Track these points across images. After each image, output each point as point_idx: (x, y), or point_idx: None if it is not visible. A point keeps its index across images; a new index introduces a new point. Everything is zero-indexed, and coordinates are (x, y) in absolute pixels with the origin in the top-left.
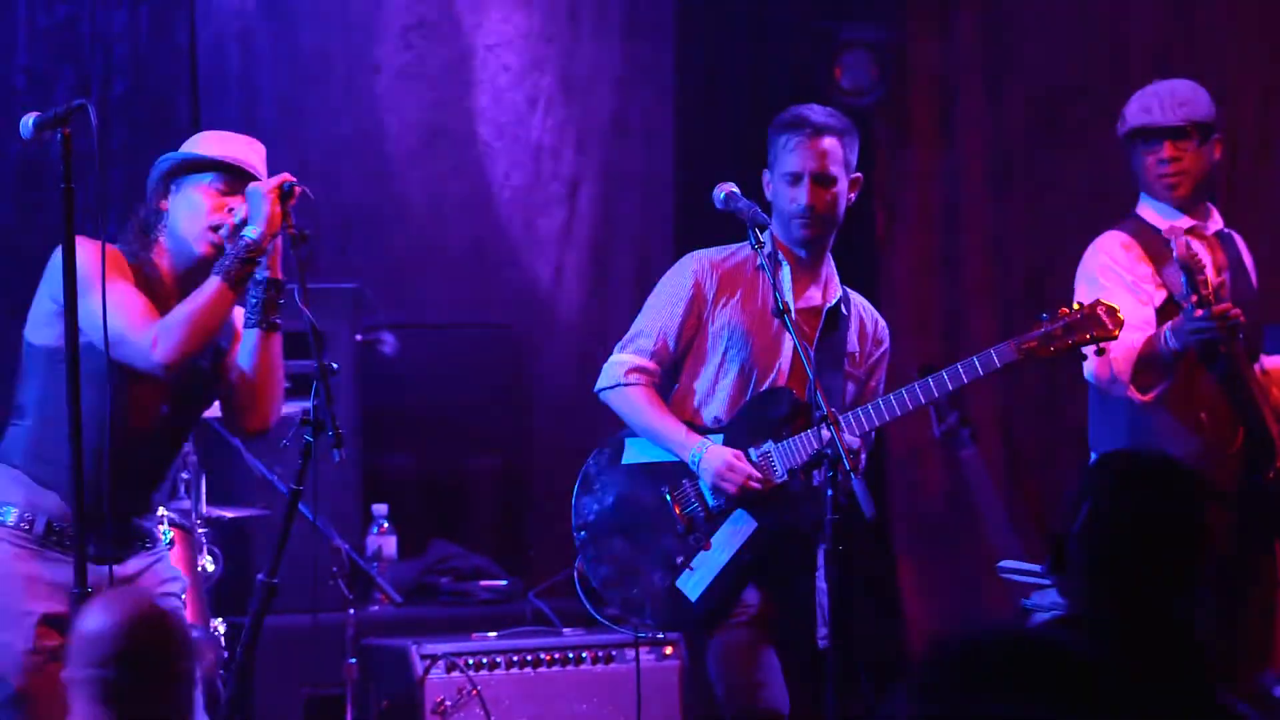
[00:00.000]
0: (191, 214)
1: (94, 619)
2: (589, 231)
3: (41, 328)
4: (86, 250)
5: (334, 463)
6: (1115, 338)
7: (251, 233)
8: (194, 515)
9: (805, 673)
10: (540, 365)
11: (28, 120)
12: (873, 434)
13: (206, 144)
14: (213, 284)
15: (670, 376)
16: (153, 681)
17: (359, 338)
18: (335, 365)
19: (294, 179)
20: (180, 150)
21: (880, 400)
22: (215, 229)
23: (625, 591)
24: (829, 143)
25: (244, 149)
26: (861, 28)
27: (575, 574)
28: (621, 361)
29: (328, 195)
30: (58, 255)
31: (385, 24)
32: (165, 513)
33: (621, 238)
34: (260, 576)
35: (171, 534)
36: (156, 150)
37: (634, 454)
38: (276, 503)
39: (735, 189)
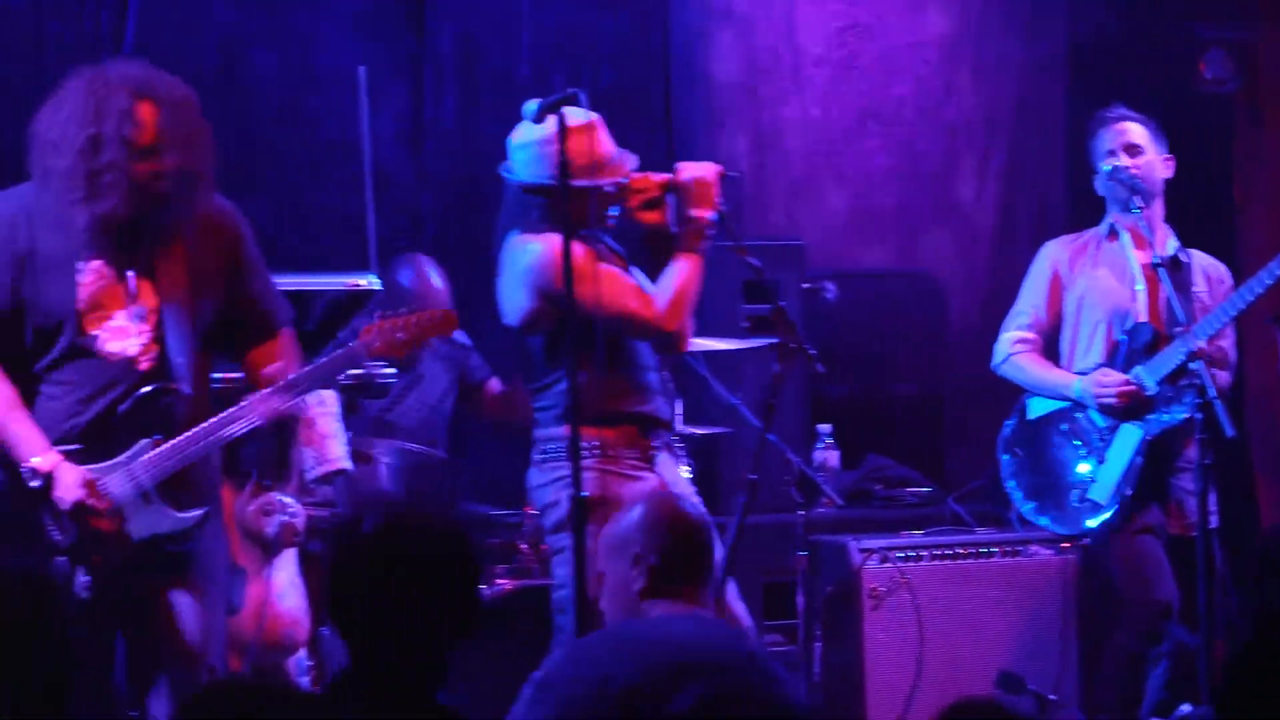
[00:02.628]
0: (598, 203)
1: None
2: (995, 199)
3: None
4: (574, 251)
5: (819, 373)
6: None
7: (698, 214)
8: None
9: (1181, 565)
10: (953, 308)
11: (531, 105)
12: (1232, 354)
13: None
14: (685, 258)
15: (1050, 341)
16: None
17: (804, 286)
18: (784, 304)
19: (723, 168)
20: (545, 173)
21: (1224, 302)
22: (612, 215)
23: (1046, 514)
24: (1130, 125)
25: (594, 140)
26: (1220, 27)
27: (1015, 518)
28: (1007, 338)
29: (779, 167)
30: (529, 247)
31: (824, 25)
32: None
33: (1023, 205)
34: (749, 475)
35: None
36: (636, 135)
37: (1035, 410)
38: (737, 422)
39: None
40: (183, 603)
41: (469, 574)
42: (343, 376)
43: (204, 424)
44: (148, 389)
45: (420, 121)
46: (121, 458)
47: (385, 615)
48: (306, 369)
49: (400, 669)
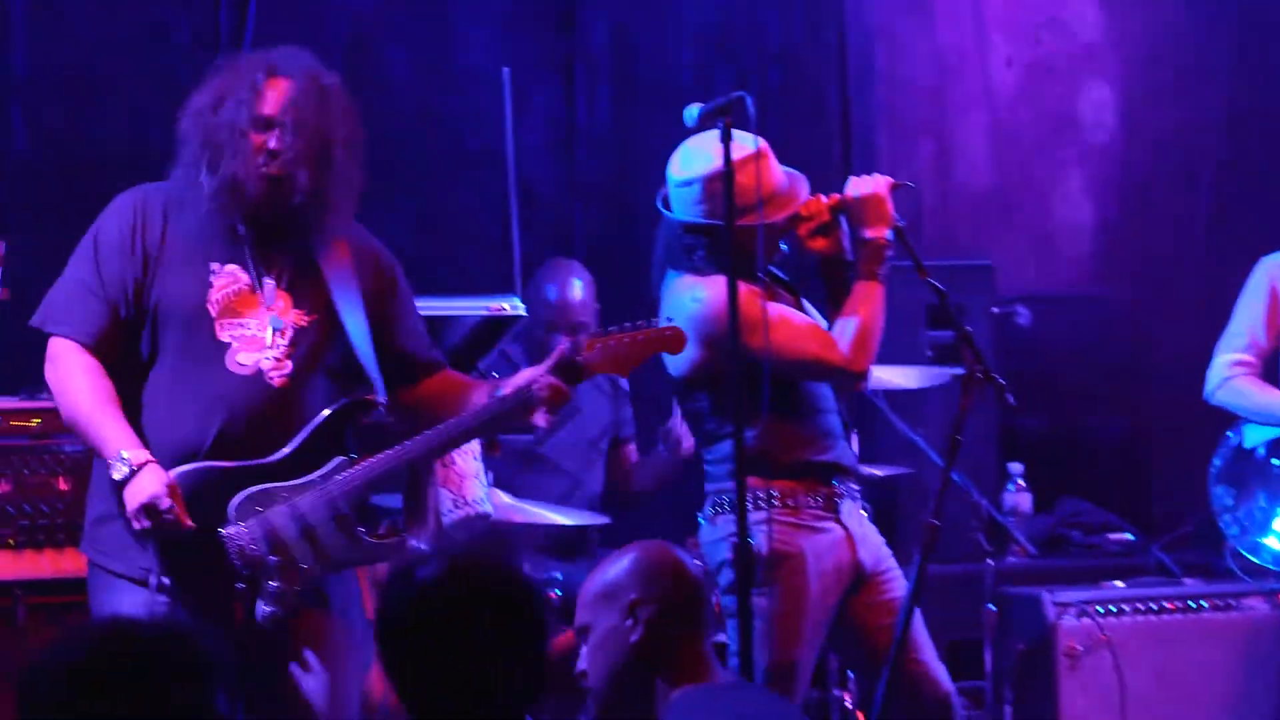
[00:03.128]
0: (769, 240)
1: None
2: (1206, 212)
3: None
4: (741, 296)
5: (1010, 406)
6: None
7: (874, 234)
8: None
9: None
10: (1158, 333)
11: (692, 110)
12: None
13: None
14: (865, 287)
15: (1269, 365)
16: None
17: (994, 310)
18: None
19: (895, 180)
20: (706, 212)
21: None
22: (781, 249)
23: (1264, 554)
24: None
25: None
26: None
27: (1228, 555)
28: (1221, 361)
29: (966, 178)
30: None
31: (1018, 21)
32: None
33: (1236, 218)
34: (930, 520)
35: None
36: (809, 141)
37: (1252, 438)
38: (920, 461)
39: None
40: (319, 664)
41: (533, 629)
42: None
43: (404, 444)
44: (340, 404)
45: (571, 127)
46: (314, 475)
47: (437, 674)
48: (525, 378)
49: None
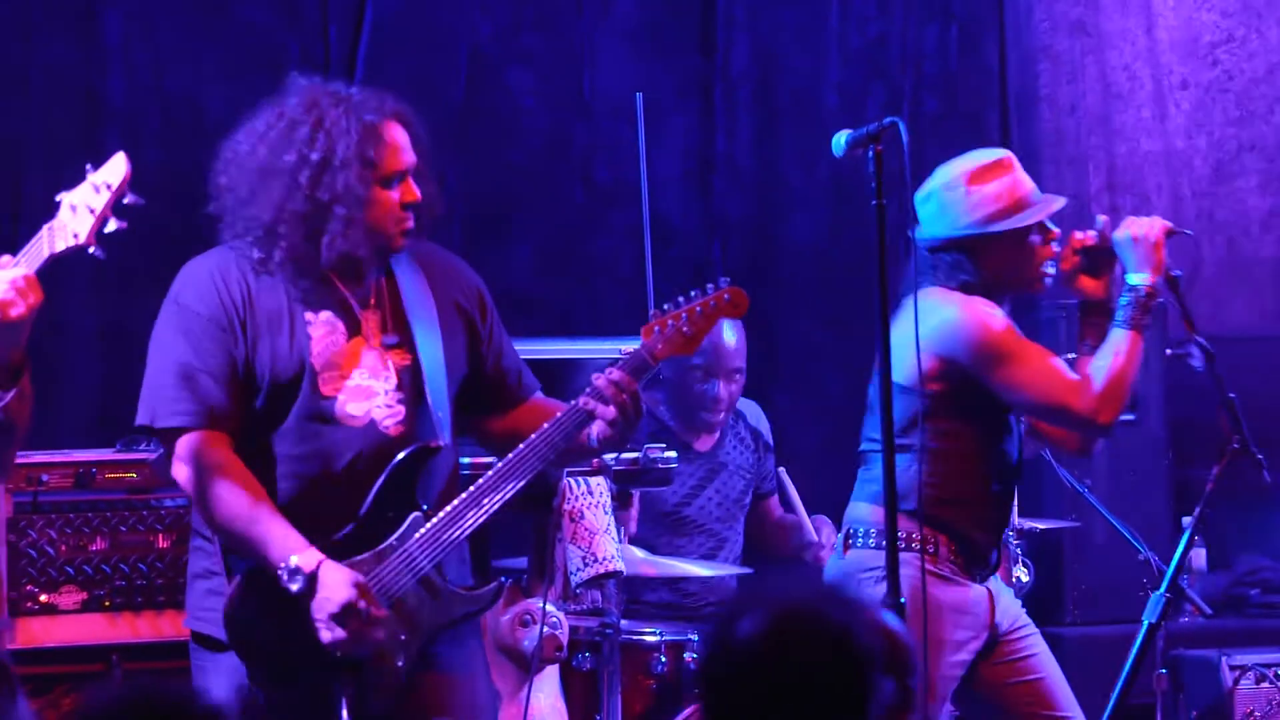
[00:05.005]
0: (1020, 261)
1: None
2: None
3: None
4: (995, 321)
5: (1264, 482)
6: None
7: (1141, 280)
8: (1008, 527)
9: None
10: None
11: (840, 138)
12: None
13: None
14: (1124, 336)
15: None
16: None
17: (1168, 352)
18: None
19: (1172, 225)
20: (965, 222)
21: None
22: (1047, 273)
23: None
24: None
25: (1017, 180)
26: None
27: None
28: None
29: (1136, 208)
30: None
31: (1192, 40)
32: None
33: None
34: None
35: None
36: None
37: None
38: (1086, 514)
39: None
40: None
41: (864, 683)
42: (614, 460)
43: (479, 485)
44: (408, 452)
45: (709, 156)
46: (392, 538)
47: None
48: (597, 388)
49: None
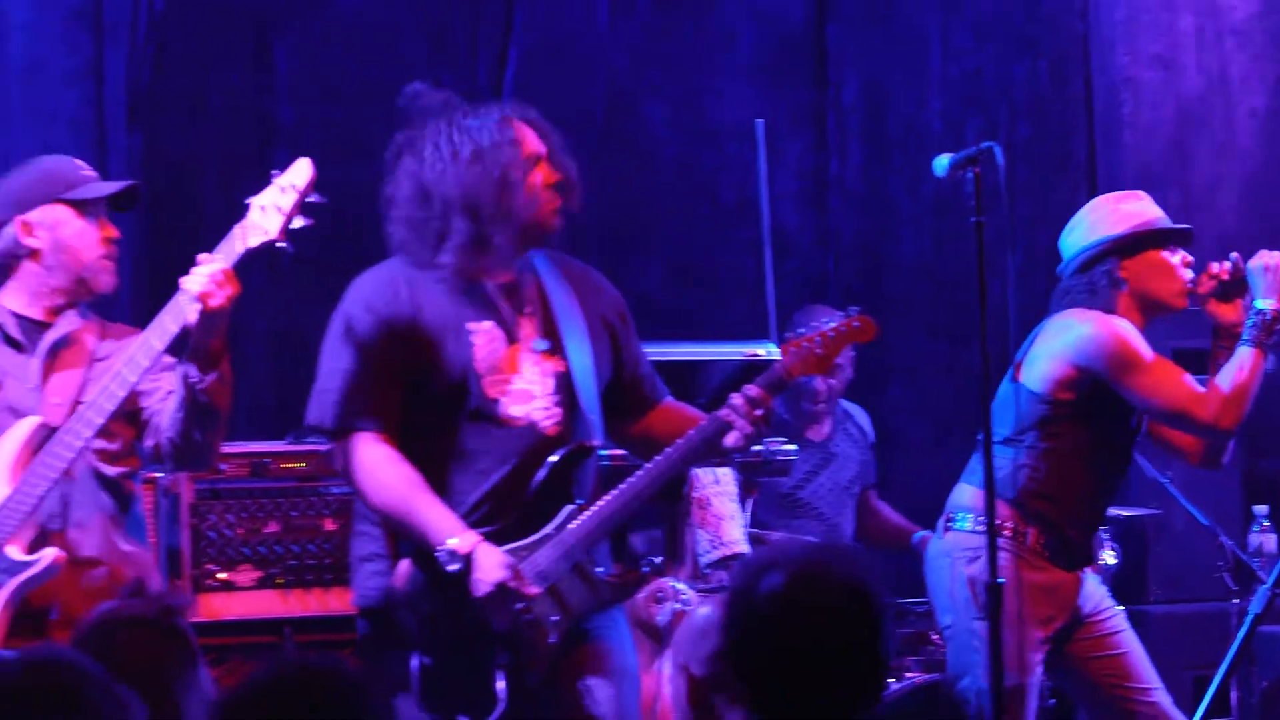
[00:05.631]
0: (1161, 277)
1: None
2: None
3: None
4: (1129, 334)
5: None
6: None
7: (1266, 305)
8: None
9: None
10: None
11: (942, 161)
12: None
13: (1146, 210)
14: (1248, 353)
15: None
16: None
17: None
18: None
19: None
20: (1108, 231)
21: None
22: (1184, 292)
23: None
24: None
25: (1155, 207)
26: None
27: None
28: None
29: (1212, 231)
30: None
31: (1264, 72)
32: None
33: None
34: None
35: None
36: (1056, 188)
37: None
38: (1167, 503)
39: None
40: (600, 694)
41: (877, 631)
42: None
43: (629, 482)
44: (563, 451)
45: (823, 178)
46: (548, 528)
47: (786, 680)
48: (753, 392)
49: None
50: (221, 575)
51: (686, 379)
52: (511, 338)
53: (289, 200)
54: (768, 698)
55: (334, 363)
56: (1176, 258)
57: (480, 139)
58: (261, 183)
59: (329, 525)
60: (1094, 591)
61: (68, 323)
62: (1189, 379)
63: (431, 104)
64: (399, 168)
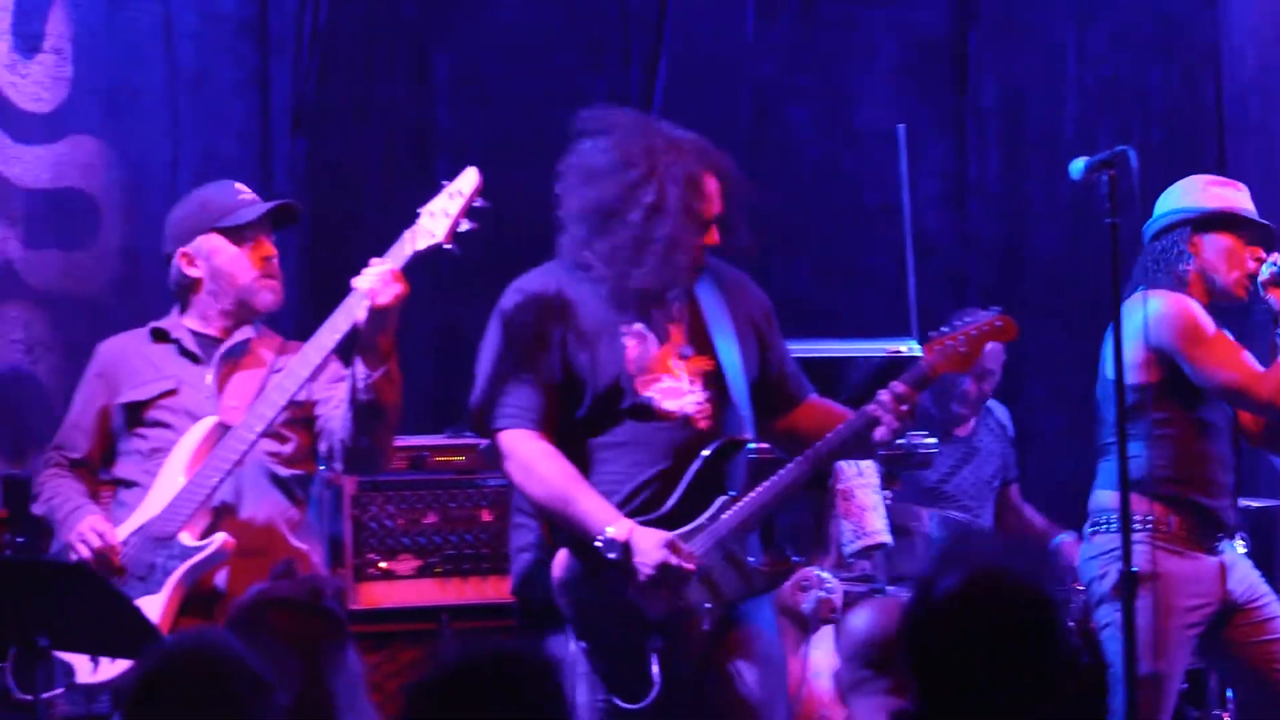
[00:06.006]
0: (1227, 261)
1: None
2: None
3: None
4: (1195, 310)
5: None
6: None
7: None
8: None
9: None
10: None
11: (1078, 164)
12: None
13: (1234, 197)
14: None
15: None
16: None
17: None
18: None
19: None
20: (1190, 204)
21: None
22: (1246, 282)
23: None
24: None
25: (1246, 199)
26: None
27: None
28: None
29: None
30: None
31: None
32: None
33: None
34: None
35: None
36: None
37: None
38: None
39: None
40: (749, 676)
41: (1050, 635)
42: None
43: (780, 474)
44: (716, 445)
45: (963, 181)
46: (702, 518)
47: (962, 680)
48: (895, 391)
49: None
50: (382, 564)
51: (830, 375)
52: (662, 339)
53: (456, 206)
54: (938, 692)
55: (492, 361)
56: (1249, 249)
57: (672, 181)
58: (421, 189)
59: (485, 516)
60: (1246, 575)
61: (240, 335)
62: (1249, 357)
63: (623, 120)
64: (579, 178)
